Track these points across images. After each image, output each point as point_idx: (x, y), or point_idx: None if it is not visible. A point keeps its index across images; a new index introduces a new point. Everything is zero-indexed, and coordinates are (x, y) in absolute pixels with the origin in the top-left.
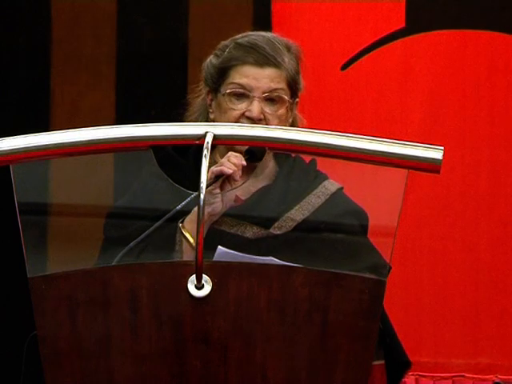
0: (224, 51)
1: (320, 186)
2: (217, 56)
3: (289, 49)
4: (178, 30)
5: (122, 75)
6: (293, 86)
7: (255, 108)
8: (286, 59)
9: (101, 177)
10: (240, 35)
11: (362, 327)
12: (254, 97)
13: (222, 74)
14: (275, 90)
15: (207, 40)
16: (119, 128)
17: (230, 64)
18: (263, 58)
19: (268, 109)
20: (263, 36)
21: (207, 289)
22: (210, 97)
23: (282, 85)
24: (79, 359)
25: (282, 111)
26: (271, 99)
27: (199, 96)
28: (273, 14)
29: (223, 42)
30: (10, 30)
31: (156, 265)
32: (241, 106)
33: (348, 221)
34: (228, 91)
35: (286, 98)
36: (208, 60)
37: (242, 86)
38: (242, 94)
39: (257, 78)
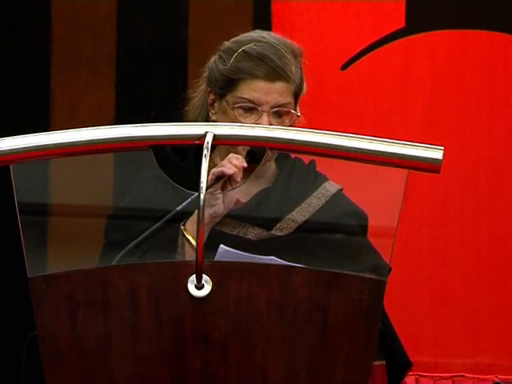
0: (231, 56)
1: (320, 187)
2: (223, 60)
3: (295, 55)
4: (178, 29)
5: (122, 75)
6: (298, 96)
7: (264, 123)
8: (294, 69)
9: (101, 177)
10: (245, 38)
11: (361, 327)
12: (262, 111)
13: (229, 83)
14: (284, 105)
15: (207, 40)
16: (119, 128)
17: (238, 76)
18: (273, 71)
19: (275, 122)
20: (270, 44)
21: (207, 289)
22: (211, 96)
23: (290, 99)
24: (79, 359)
25: (287, 122)
26: (279, 113)
27: (200, 92)
28: (273, 13)
29: (228, 45)
30: (10, 30)
31: (156, 265)
32: (249, 120)
33: (348, 222)
34: (237, 105)
35: (292, 111)
36: (212, 61)
37: (251, 101)
38: (251, 108)
39: (266, 92)
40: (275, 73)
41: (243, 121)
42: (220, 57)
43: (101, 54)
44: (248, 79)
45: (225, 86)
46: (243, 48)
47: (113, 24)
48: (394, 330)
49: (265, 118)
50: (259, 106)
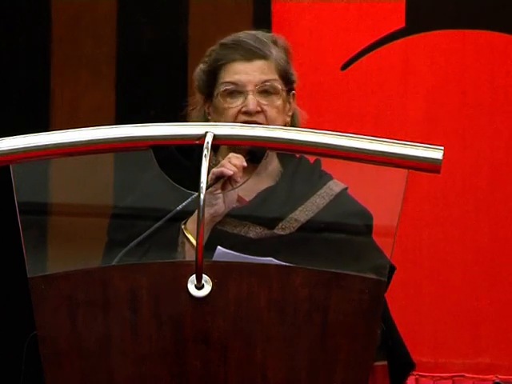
0: (210, 55)
1: (325, 186)
2: (205, 62)
3: (275, 42)
4: (178, 30)
5: (122, 75)
6: (285, 77)
7: (250, 101)
8: (274, 51)
9: (101, 177)
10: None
11: (362, 327)
12: (247, 91)
13: (212, 76)
14: (267, 80)
15: (207, 40)
16: (119, 128)
17: (217, 64)
18: (249, 51)
19: (264, 100)
20: (247, 32)
21: (207, 289)
22: (207, 105)
23: (274, 75)
24: (79, 359)
25: (278, 102)
26: (265, 91)
27: (196, 107)
28: (273, 14)
29: (210, 48)
30: (10, 30)
31: (156, 265)
32: (236, 103)
33: (353, 221)
34: (221, 91)
35: (279, 87)
36: (198, 68)
37: (233, 84)
38: (236, 91)
39: (247, 72)
40: (251, 52)
41: (230, 106)
42: (203, 61)
43: (101, 54)
44: (226, 64)
45: (209, 81)
46: (220, 42)
47: (113, 24)
48: (397, 330)
49: (250, 97)
50: (242, 87)
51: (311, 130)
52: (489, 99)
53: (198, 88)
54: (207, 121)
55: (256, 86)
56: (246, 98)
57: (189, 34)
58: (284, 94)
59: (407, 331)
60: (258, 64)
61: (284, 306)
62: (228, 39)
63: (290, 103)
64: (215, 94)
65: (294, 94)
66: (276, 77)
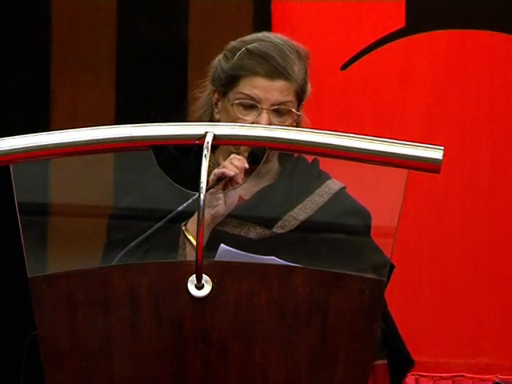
0: (234, 54)
1: (323, 185)
2: (226, 59)
3: (299, 56)
4: (178, 30)
5: (122, 75)
6: (300, 97)
7: (264, 120)
8: (297, 69)
9: (101, 177)
10: (250, 38)
11: (362, 327)
12: (262, 108)
13: (231, 80)
14: (284, 102)
15: (207, 40)
16: (119, 128)
17: (240, 73)
18: (274, 69)
19: (276, 120)
20: (274, 43)
21: (207, 289)
22: (216, 96)
23: (291, 97)
24: (79, 359)
25: (289, 122)
26: (279, 111)
27: (205, 92)
28: (273, 14)
29: (233, 44)
30: (10, 30)
31: (156, 265)
32: (249, 117)
33: (351, 220)
34: (237, 101)
35: (293, 110)
36: (217, 60)
37: (251, 98)
38: (251, 105)
39: (267, 90)
40: (276, 71)
41: (243, 118)
42: (224, 55)
43: (101, 54)
44: (249, 76)
45: (227, 83)
46: (247, 46)
47: (113, 24)
48: (397, 329)
49: (264, 115)
50: (259, 103)
51: (311, 129)
52: (489, 99)
53: (212, 79)
54: (213, 110)
55: (272, 105)
56: (259, 115)
57: (189, 34)
58: (296, 115)
59: (407, 331)
60: (279, 84)
61: (284, 305)
62: (255, 47)
63: (297, 115)
64: (230, 98)
65: (302, 105)
66: (293, 99)
